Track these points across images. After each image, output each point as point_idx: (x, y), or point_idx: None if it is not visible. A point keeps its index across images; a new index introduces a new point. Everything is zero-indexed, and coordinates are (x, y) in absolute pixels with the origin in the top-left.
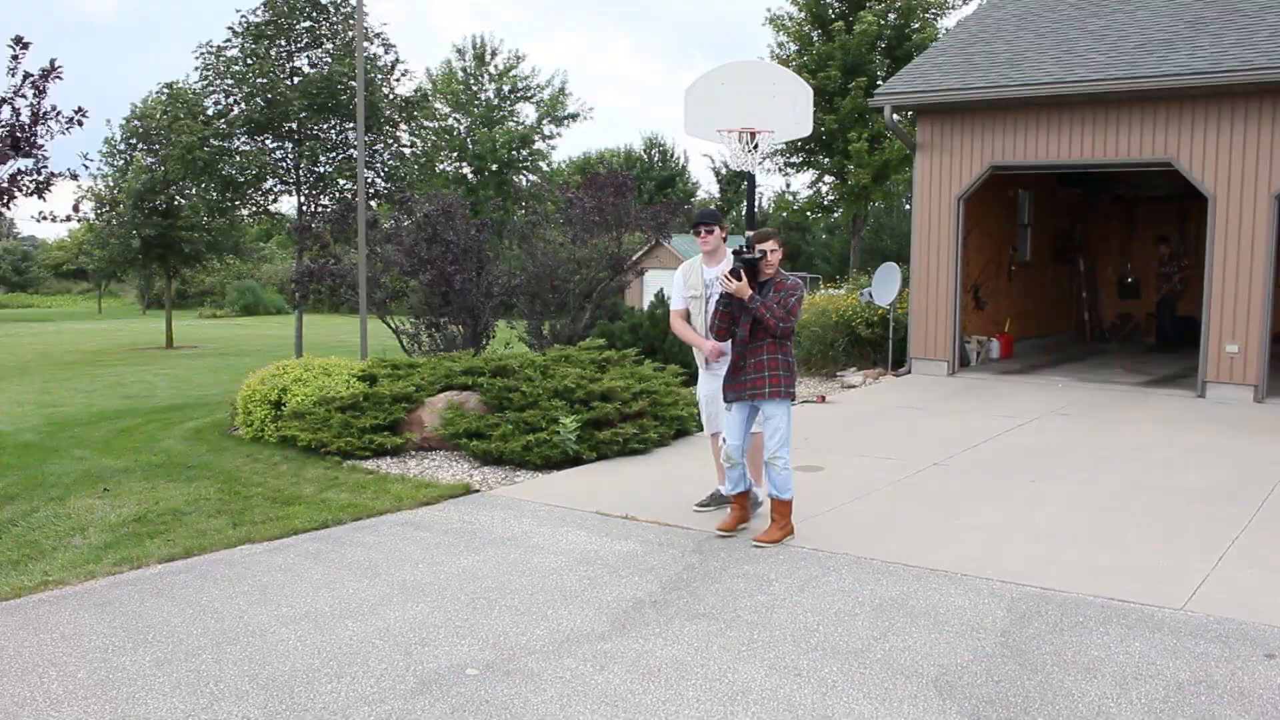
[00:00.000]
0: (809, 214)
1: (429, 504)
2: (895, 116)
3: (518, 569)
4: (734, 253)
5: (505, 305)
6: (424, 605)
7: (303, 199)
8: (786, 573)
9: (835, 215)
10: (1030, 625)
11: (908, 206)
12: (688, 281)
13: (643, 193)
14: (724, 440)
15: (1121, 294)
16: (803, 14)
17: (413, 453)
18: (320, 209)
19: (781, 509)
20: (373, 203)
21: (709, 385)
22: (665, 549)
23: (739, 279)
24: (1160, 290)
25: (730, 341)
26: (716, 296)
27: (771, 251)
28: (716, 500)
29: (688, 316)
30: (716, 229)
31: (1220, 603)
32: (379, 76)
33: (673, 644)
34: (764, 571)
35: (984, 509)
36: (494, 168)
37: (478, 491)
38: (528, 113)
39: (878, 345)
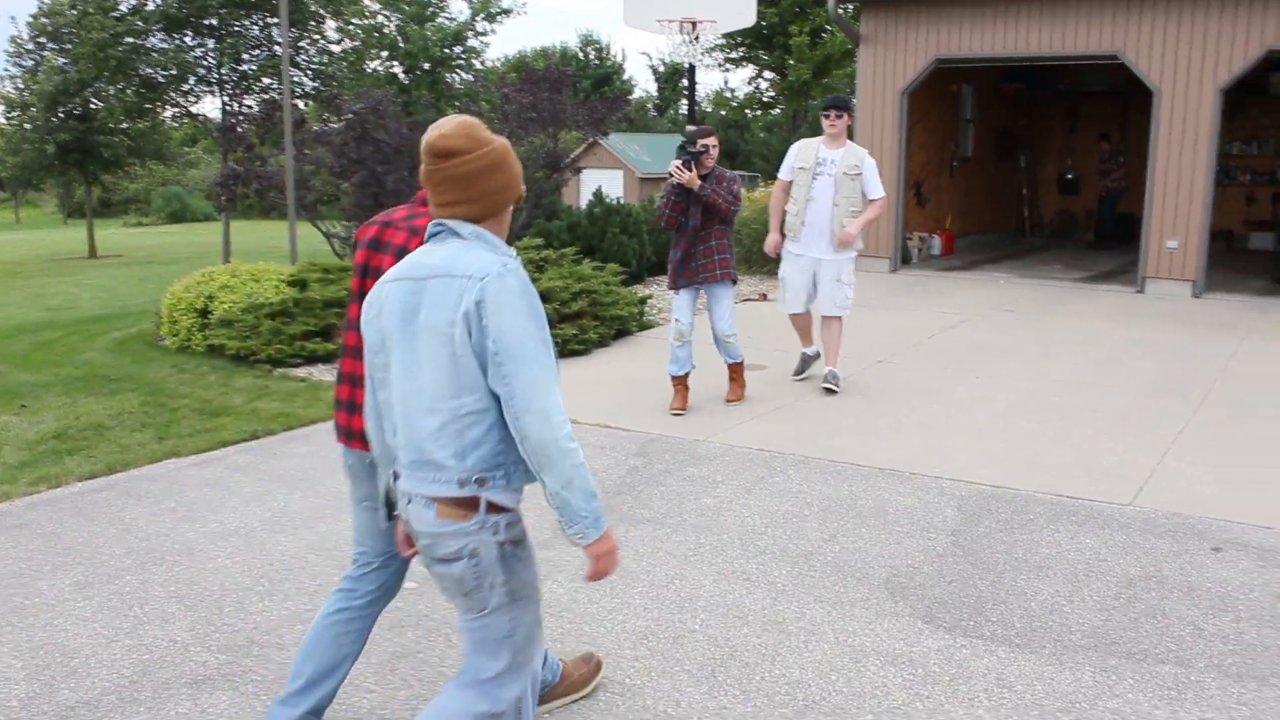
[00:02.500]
0: (748, 111)
1: None
2: (840, 8)
3: None
4: (680, 147)
5: None
6: None
7: (226, 99)
8: (733, 474)
9: (775, 112)
10: (980, 524)
11: None
12: (799, 155)
13: (578, 91)
14: (675, 320)
15: (1062, 190)
16: None
17: None
18: (245, 109)
19: (739, 370)
20: (300, 102)
21: (788, 265)
22: (608, 452)
23: (690, 170)
24: (1101, 187)
25: (679, 233)
26: (827, 175)
27: (713, 146)
28: (804, 365)
29: (788, 189)
30: (846, 114)
31: (1167, 498)
32: None
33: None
34: (709, 473)
35: (930, 406)
36: (426, 66)
37: None
38: (460, 8)
39: None
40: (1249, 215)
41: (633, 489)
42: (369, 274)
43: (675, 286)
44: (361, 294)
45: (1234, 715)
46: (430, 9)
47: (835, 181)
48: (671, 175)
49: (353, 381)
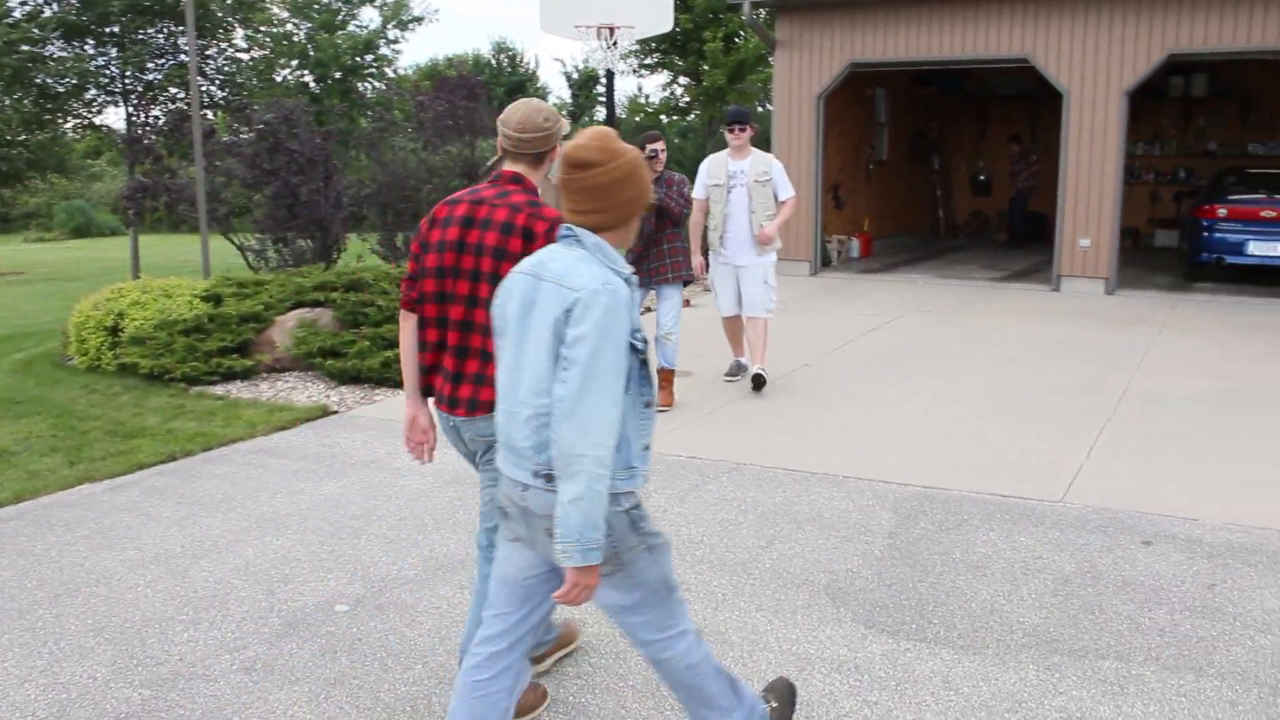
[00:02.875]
0: (663, 117)
1: (285, 429)
2: (755, 13)
3: (383, 493)
4: None
5: (355, 217)
6: (285, 538)
7: (131, 110)
8: (666, 483)
9: (690, 118)
10: (916, 526)
11: (760, 109)
12: (710, 172)
13: (492, 99)
14: None
15: (974, 192)
16: None
17: (264, 375)
18: (151, 120)
19: (669, 377)
20: (209, 113)
21: (716, 273)
22: None
23: None
24: (1012, 188)
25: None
26: (741, 185)
27: (661, 151)
28: (737, 369)
29: (706, 208)
30: (749, 127)
31: (1096, 493)
32: None
33: None
34: None
35: (858, 409)
36: (338, 75)
37: (336, 413)
38: (371, 16)
39: None
40: (1154, 214)
41: None
42: (465, 249)
43: None
44: (457, 270)
45: (1174, 707)
46: (340, 17)
47: (749, 190)
48: None
49: (432, 349)
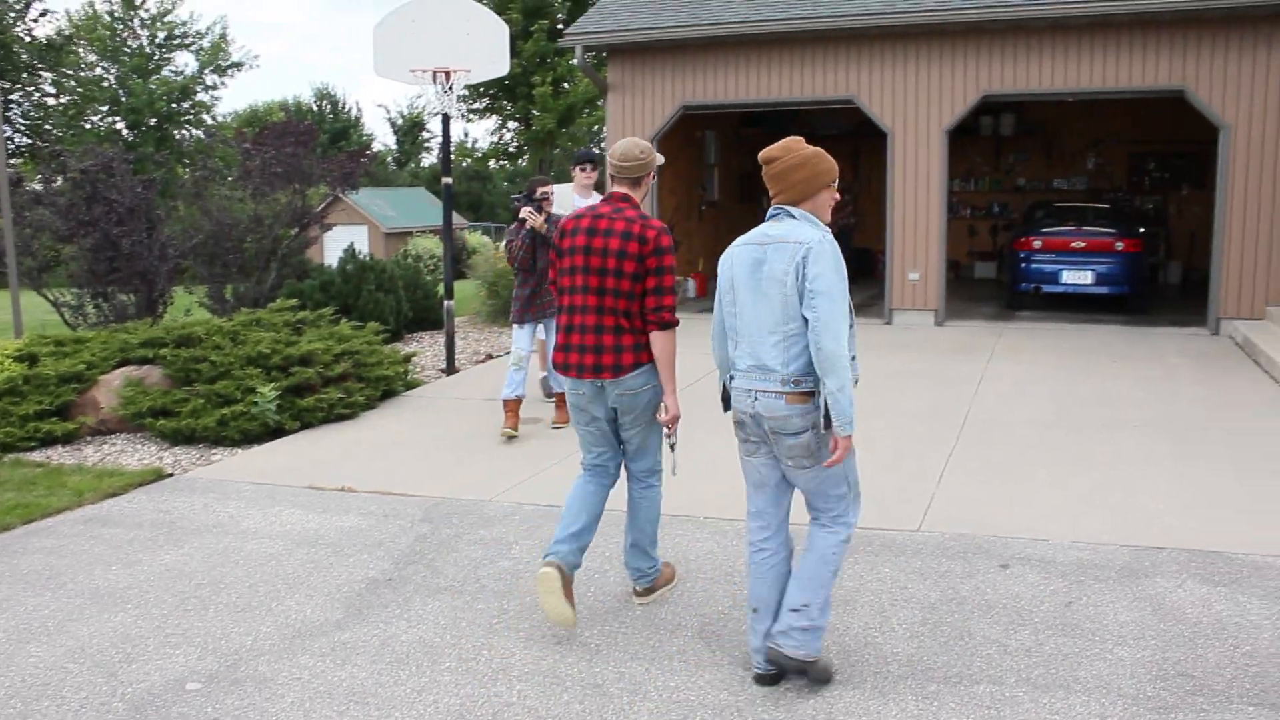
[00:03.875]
0: (492, 162)
1: (115, 495)
2: (586, 57)
3: (230, 559)
4: (526, 195)
5: (180, 270)
6: (124, 614)
7: None
8: (525, 534)
9: (521, 162)
10: None
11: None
12: (559, 204)
13: (316, 146)
14: (516, 348)
15: None
16: None
17: (89, 438)
18: None
19: (563, 399)
20: (13, 160)
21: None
22: (391, 520)
23: (539, 215)
24: (834, 225)
25: (527, 274)
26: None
27: (551, 194)
28: (547, 391)
29: None
30: (598, 168)
31: (950, 520)
32: (10, 15)
33: (417, 625)
34: (501, 535)
35: (712, 446)
36: (153, 122)
37: (171, 475)
38: (187, 61)
39: None
40: (972, 246)
41: (423, 557)
42: (593, 252)
43: (521, 321)
44: (587, 268)
45: None
46: (154, 61)
47: None
48: (526, 221)
49: (570, 330)
